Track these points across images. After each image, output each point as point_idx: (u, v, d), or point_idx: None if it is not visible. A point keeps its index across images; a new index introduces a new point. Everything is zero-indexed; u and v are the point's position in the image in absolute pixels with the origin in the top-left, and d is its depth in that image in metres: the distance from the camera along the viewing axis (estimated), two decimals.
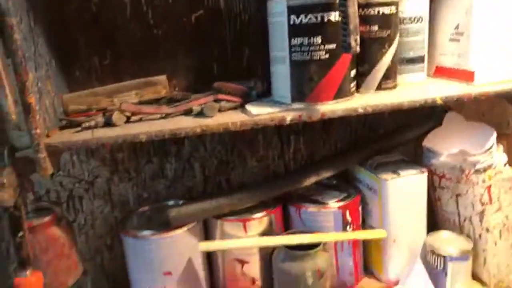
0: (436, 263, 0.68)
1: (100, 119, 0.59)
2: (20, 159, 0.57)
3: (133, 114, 0.61)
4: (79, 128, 0.58)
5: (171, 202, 0.73)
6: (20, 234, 0.54)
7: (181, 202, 0.72)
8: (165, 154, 0.76)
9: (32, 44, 0.55)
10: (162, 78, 0.69)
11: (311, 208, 0.69)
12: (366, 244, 0.75)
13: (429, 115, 0.79)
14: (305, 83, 0.60)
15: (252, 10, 0.71)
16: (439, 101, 0.62)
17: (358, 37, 0.54)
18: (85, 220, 0.76)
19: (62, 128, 0.60)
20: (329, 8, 0.57)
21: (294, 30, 0.58)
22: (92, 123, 0.58)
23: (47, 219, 0.61)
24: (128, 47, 0.69)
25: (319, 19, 0.57)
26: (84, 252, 0.75)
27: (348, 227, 0.70)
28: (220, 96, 0.64)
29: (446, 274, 0.68)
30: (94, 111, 0.65)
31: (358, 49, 0.54)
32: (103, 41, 0.68)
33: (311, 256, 0.62)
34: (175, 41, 0.70)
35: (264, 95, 0.68)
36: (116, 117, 0.58)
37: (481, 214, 0.68)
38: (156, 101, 0.67)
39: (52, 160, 0.55)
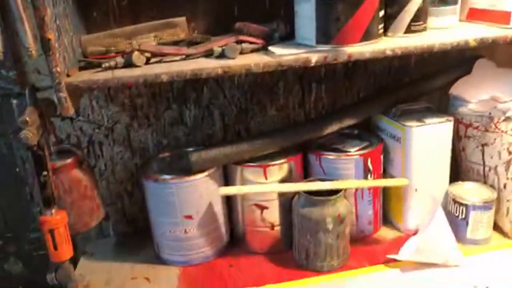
0: (458, 212, 0.68)
1: (120, 59, 0.57)
2: (41, 100, 0.57)
3: (153, 55, 0.59)
4: (99, 69, 0.57)
5: (191, 149, 0.73)
6: (44, 173, 0.55)
7: (200, 148, 0.71)
8: (184, 100, 0.75)
9: None
10: (182, 20, 0.66)
11: (332, 156, 0.68)
12: (386, 194, 0.74)
13: (458, 63, 0.76)
14: (331, 23, 0.57)
15: None
16: (472, 43, 0.59)
17: None
18: (106, 166, 0.76)
19: (81, 68, 0.58)
20: None
21: None
22: (112, 63, 0.57)
23: (69, 161, 0.61)
24: None
25: None
26: (105, 197, 0.76)
27: (369, 175, 0.69)
28: (242, 37, 0.61)
29: (467, 223, 0.67)
30: (113, 53, 0.63)
31: None
32: None
33: (332, 202, 0.62)
34: None
35: (287, 37, 0.65)
36: (136, 57, 0.57)
37: (508, 163, 0.66)
38: (175, 44, 0.65)
39: (73, 101, 0.54)
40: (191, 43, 0.65)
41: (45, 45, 0.50)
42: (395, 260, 0.65)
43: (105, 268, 0.70)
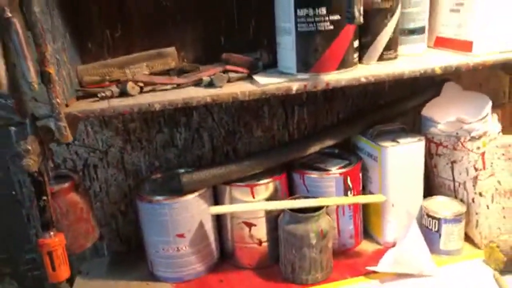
0: (431, 225, 0.73)
1: (115, 89, 0.62)
2: (40, 128, 0.60)
3: (146, 84, 0.64)
4: (95, 98, 0.61)
5: (182, 170, 0.77)
6: (44, 198, 0.58)
7: (191, 169, 0.75)
8: (175, 124, 0.79)
9: (49, 16, 0.57)
10: (172, 50, 0.71)
11: (314, 175, 0.73)
12: (365, 209, 0.79)
13: (428, 86, 0.82)
14: (310, 53, 0.63)
15: None
16: (438, 71, 0.65)
17: (361, 8, 0.56)
18: (100, 188, 0.79)
19: (78, 98, 0.62)
20: None
21: (300, 1, 0.61)
22: (108, 93, 0.61)
23: (66, 185, 0.64)
24: (138, 19, 0.71)
25: None
26: (100, 218, 0.79)
27: (349, 192, 0.74)
28: (228, 67, 0.66)
29: (440, 235, 0.72)
30: (108, 82, 0.68)
31: (361, 19, 0.57)
32: (114, 14, 0.70)
33: (315, 219, 0.67)
34: (183, 13, 0.72)
35: (270, 66, 0.71)
36: (130, 87, 0.61)
37: (475, 179, 0.72)
38: (166, 73, 0.70)
39: (71, 129, 0.58)
40: (181, 72, 0.69)
41: (45, 79, 0.54)
42: (374, 272, 0.69)
43: (101, 286, 0.73)
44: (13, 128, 0.73)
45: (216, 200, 0.74)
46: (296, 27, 0.62)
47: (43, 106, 0.73)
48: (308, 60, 0.64)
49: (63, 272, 0.60)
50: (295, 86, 0.62)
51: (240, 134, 0.82)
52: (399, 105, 0.82)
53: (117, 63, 0.69)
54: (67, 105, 0.59)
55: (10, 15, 0.49)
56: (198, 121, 0.80)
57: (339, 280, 0.69)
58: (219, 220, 0.75)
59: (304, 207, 0.68)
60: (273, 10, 0.66)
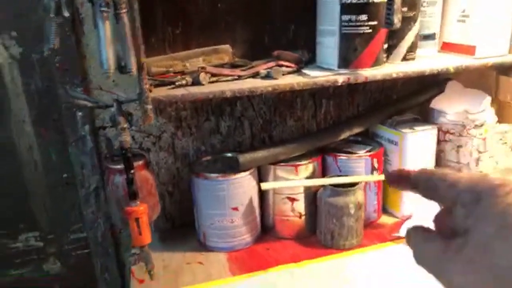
0: None
1: (188, 78, 0.71)
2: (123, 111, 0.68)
3: (212, 75, 0.73)
4: (173, 86, 0.70)
5: (228, 154, 0.87)
6: (132, 171, 0.67)
7: (241, 151, 0.85)
8: (220, 113, 0.88)
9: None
10: (226, 47, 0.81)
11: (346, 157, 0.85)
12: (385, 187, 0.92)
13: (433, 84, 0.96)
14: (351, 52, 0.75)
15: None
16: (451, 70, 0.79)
17: (400, 16, 0.69)
18: (152, 170, 0.87)
19: (156, 86, 0.71)
20: None
21: (345, 9, 0.73)
22: (183, 81, 0.70)
23: (140, 162, 0.73)
24: (196, 19, 0.80)
25: (365, 0, 0.72)
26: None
27: (375, 172, 0.86)
28: (280, 62, 0.77)
29: None
30: (172, 73, 0.77)
31: (399, 25, 0.70)
32: (176, 13, 0.79)
33: (353, 192, 0.78)
34: (235, 15, 0.82)
35: (309, 62, 0.82)
36: (202, 77, 0.71)
37: (477, 160, 0.87)
38: (222, 66, 0.79)
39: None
40: (234, 66, 0.80)
41: (139, 67, 0.63)
42: (398, 238, 0.82)
43: (158, 257, 0.81)
44: (79, 114, 0.80)
45: (260, 178, 0.84)
46: (340, 29, 0.74)
47: (106, 94, 0.81)
48: (348, 58, 0.76)
49: (147, 236, 0.68)
50: (340, 79, 0.74)
51: (275, 123, 0.93)
52: (411, 100, 0.96)
53: (179, 56, 0.79)
54: (150, 91, 0.67)
55: (124, 10, 0.57)
56: (241, 111, 0.90)
57: (370, 245, 0.82)
58: (262, 196, 0.86)
59: (341, 183, 0.79)
60: (314, 15, 0.78)
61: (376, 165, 0.86)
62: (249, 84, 0.71)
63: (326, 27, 0.76)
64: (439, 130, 0.91)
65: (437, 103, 0.92)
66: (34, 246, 0.92)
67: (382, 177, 0.85)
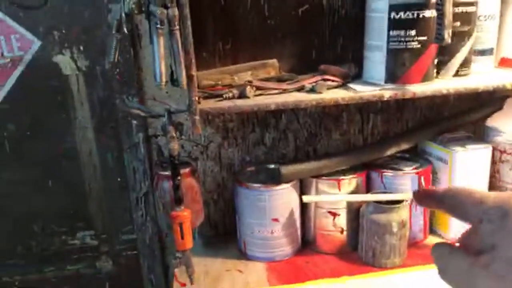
0: None
1: (235, 91, 0.74)
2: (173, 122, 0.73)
3: (258, 88, 0.76)
4: (220, 98, 0.73)
5: (271, 165, 0.88)
6: (178, 178, 0.70)
7: (285, 163, 0.87)
8: (265, 125, 0.91)
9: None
10: (274, 61, 0.83)
11: (392, 173, 0.83)
12: None
13: (490, 101, 0.92)
14: (398, 67, 0.74)
15: (349, 6, 0.84)
16: (508, 86, 0.75)
17: (450, 31, 0.67)
18: (199, 178, 0.91)
19: (204, 98, 0.75)
20: (424, 6, 0.71)
21: (393, 24, 0.72)
22: (230, 94, 0.73)
23: (187, 170, 0.76)
24: (246, 34, 0.83)
25: (415, 15, 0.71)
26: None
27: None
28: (326, 76, 0.78)
29: None
30: (220, 86, 0.80)
31: (449, 40, 0.68)
32: (226, 29, 0.83)
33: (397, 210, 0.77)
34: (284, 31, 0.84)
35: (356, 77, 0.82)
36: (248, 90, 0.73)
37: None
38: (268, 80, 0.81)
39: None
40: (280, 80, 0.81)
41: (189, 80, 0.67)
42: None
43: (200, 262, 0.84)
44: (134, 122, 0.86)
45: (302, 191, 0.85)
46: (388, 45, 0.73)
47: (159, 105, 0.87)
48: (396, 73, 0.75)
49: (189, 241, 0.71)
50: (387, 94, 0.73)
51: (320, 136, 0.93)
52: (463, 117, 0.92)
53: (228, 70, 0.82)
54: (199, 103, 0.71)
55: (177, 27, 0.62)
56: (286, 123, 0.91)
57: (413, 266, 0.79)
58: (304, 208, 0.86)
59: (386, 200, 0.78)
60: (361, 29, 0.78)
61: (423, 183, 0.83)
62: (293, 98, 0.72)
63: (374, 42, 0.76)
64: (494, 149, 0.86)
65: (494, 121, 0.87)
66: (89, 244, 0.99)
67: None
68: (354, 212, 0.83)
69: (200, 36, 0.82)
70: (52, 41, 0.85)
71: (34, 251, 0.98)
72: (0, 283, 0.98)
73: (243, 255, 0.85)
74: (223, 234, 0.95)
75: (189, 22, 0.64)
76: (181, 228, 0.70)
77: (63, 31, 0.84)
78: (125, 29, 0.63)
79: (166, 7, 0.60)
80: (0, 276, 0.98)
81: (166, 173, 0.75)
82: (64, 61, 0.86)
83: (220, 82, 0.81)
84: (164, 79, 0.63)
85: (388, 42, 0.73)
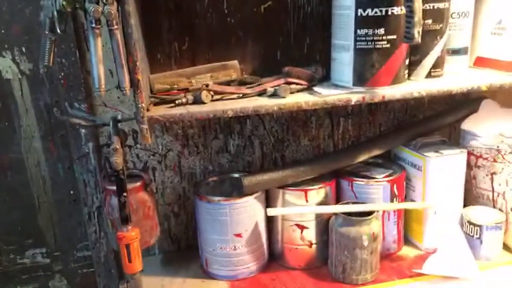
0: (472, 232, 0.77)
1: (190, 96, 0.67)
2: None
3: (216, 93, 0.69)
4: (172, 104, 0.66)
5: (235, 175, 0.82)
6: (124, 194, 0.63)
7: (247, 173, 0.81)
8: (229, 131, 0.84)
9: (136, 28, 0.63)
10: (234, 62, 0.77)
11: (363, 182, 0.78)
12: (406, 216, 0.83)
13: (465, 103, 0.87)
14: (367, 69, 0.69)
15: (315, 3, 0.79)
16: (484, 88, 0.71)
17: (421, 29, 0.62)
18: (157, 189, 0.84)
19: (155, 104, 0.68)
20: (393, 2, 0.65)
21: (360, 22, 0.67)
22: (184, 100, 0.66)
23: (138, 184, 0.69)
24: (204, 33, 0.77)
25: (383, 12, 0.65)
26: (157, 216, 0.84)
27: (394, 199, 0.78)
28: (290, 79, 0.72)
29: (481, 242, 0.77)
30: (176, 90, 0.73)
31: (419, 39, 0.62)
32: (183, 27, 0.76)
33: (367, 222, 0.71)
34: (246, 29, 0.78)
35: (323, 80, 0.76)
36: (204, 95, 0.67)
37: None
38: (228, 83, 0.75)
39: (150, 131, 0.63)
40: (242, 83, 0.75)
41: (134, 85, 0.60)
42: (419, 274, 0.74)
43: (157, 282, 0.77)
44: (83, 131, 0.79)
45: (268, 203, 0.79)
46: (355, 44, 0.68)
47: (109, 111, 0.79)
48: (364, 75, 0.69)
49: (138, 264, 0.64)
50: (354, 98, 0.67)
51: (288, 142, 0.87)
52: (438, 120, 0.87)
53: (185, 73, 0.75)
54: (148, 110, 0.64)
55: (115, 27, 0.54)
56: (251, 129, 0.85)
57: (386, 281, 0.74)
58: (270, 221, 0.80)
59: (356, 211, 0.72)
60: (329, 29, 0.73)
61: (396, 191, 0.78)
62: (253, 103, 0.66)
63: (341, 41, 0.70)
64: (470, 154, 0.82)
65: (469, 125, 0.83)
66: (41, 263, 0.91)
67: (403, 205, 0.77)
68: (324, 224, 0.77)
69: (153, 35, 0.75)
70: None
71: None
72: None
73: (205, 273, 0.79)
74: (185, 249, 0.88)
75: (132, 21, 0.57)
76: (129, 249, 0.63)
77: (2, 31, 0.76)
78: (57, 29, 0.56)
79: (103, 4, 0.53)
80: None
81: (114, 187, 0.68)
82: (5, 64, 0.78)
83: (176, 86, 0.74)
84: (103, 85, 0.57)
85: (355, 41, 0.68)
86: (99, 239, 0.85)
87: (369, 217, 0.71)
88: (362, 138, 0.90)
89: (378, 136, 0.89)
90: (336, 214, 0.74)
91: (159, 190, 0.85)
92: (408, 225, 0.84)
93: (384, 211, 0.78)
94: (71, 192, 0.87)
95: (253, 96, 0.70)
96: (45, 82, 0.80)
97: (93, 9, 0.52)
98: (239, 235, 0.74)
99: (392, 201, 0.78)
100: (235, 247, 0.75)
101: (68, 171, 0.85)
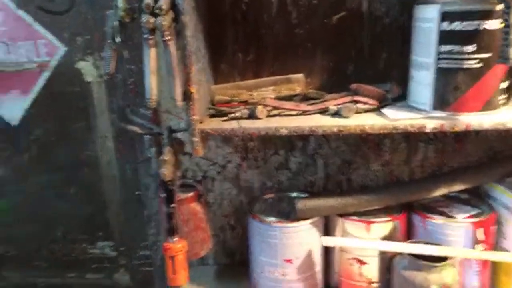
0: None
1: (244, 111, 0.64)
2: (174, 140, 0.65)
3: (274, 108, 0.65)
4: (226, 118, 0.64)
5: (294, 194, 0.77)
6: (172, 206, 0.63)
7: (303, 195, 0.75)
8: (291, 148, 0.79)
9: (195, 39, 0.62)
10: (300, 76, 0.72)
11: (439, 220, 0.67)
12: (495, 266, 0.70)
13: None
14: (450, 91, 0.59)
15: (395, 14, 0.70)
16: None
17: None
18: (214, 200, 0.83)
19: (211, 116, 0.66)
20: (487, 15, 0.54)
21: (445, 37, 0.57)
22: (238, 114, 0.64)
23: (191, 194, 0.69)
24: (270, 44, 0.73)
25: (474, 26, 0.55)
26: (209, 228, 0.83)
27: (478, 246, 0.66)
28: (357, 97, 0.65)
29: None
30: (236, 102, 0.71)
31: None
32: (248, 38, 0.73)
33: (438, 269, 0.61)
34: (315, 41, 0.72)
35: (398, 99, 0.68)
36: (259, 110, 0.63)
37: None
38: (291, 98, 0.70)
39: (202, 144, 0.61)
40: (306, 98, 0.70)
41: (187, 97, 0.58)
42: None
43: None
44: (147, 136, 0.81)
45: (327, 230, 0.72)
46: (437, 63, 0.58)
47: (174, 118, 0.80)
48: (446, 98, 0.59)
49: (182, 277, 0.63)
50: (430, 125, 0.58)
51: (356, 165, 0.79)
52: None
53: (246, 85, 0.73)
54: (201, 122, 0.62)
55: (169, 38, 0.54)
56: (314, 147, 0.79)
57: None
58: (327, 250, 0.73)
59: (426, 254, 0.62)
60: (409, 43, 0.64)
61: (481, 236, 0.66)
62: (311, 122, 0.61)
63: (420, 58, 0.61)
64: None
65: None
66: (108, 255, 0.96)
67: (489, 255, 0.65)
68: (388, 262, 0.68)
69: (218, 46, 0.73)
70: (76, 47, 0.82)
71: (57, 255, 0.98)
72: (25, 284, 1.00)
73: None
74: (239, 264, 0.85)
75: (188, 32, 0.56)
76: (173, 261, 0.62)
77: (86, 37, 0.82)
78: (118, 38, 0.57)
79: (157, 15, 0.53)
80: (26, 277, 1.00)
81: (180, 195, 0.68)
82: (86, 68, 0.83)
83: (236, 98, 0.72)
84: (154, 95, 0.56)
85: (437, 59, 0.58)
86: (156, 242, 0.87)
87: (442, 263, 0.61)
88: (444, 168, 0.78)
89: (466, 167, 0.76)
90: (401, 253, 0.64)
91: (217, 201, 0.83)
92: (496, 277, 0.70)
93: (463, 259, 0.66)
94: (136, 193, 0.90)
95: (313, 113, 0.65)
96: (119, 87, 0.83)
97: (145, 20, 0.51)
98: (289, 261, 0.69)
99: (474, 247, 0.66)
100: (284, 273, 0.70)
101: (134, 173, 0.89)
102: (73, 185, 0.92)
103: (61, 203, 0.94)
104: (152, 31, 0.53)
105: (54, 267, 0.98)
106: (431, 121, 0.58)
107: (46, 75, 0.85)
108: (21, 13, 0.81)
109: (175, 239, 0.63)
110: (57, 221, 0.95)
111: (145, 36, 0.53)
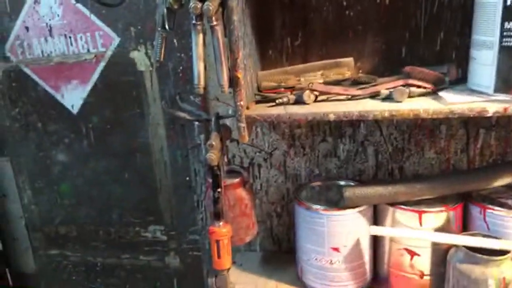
0: None
1: (291, 96, 0.63)
2: (222, 126, 0.66)
3: (321, 93, 0.64)
4: (272, 103, 0.63)
5: (342, 182, 0.75)
6: (219, 190, 0.63)
7: (352, 183, 0.73)
8: (340, 134, 0.77)
9: (242, 24, 0.62)
10: (349, 60, 0.69)
11: (500, 212, 0.62)
12: None
13: None
14: None
15: None
16: None
17: None
18: (261, 187, 0.83)
19: (257, 102, 0.66)
20: None
21: (510, 13, 0.52)
22: (285, 99, 0.63)
23: (237, 180, 0.69)
24: (319, 28, 0.71)
25: None
26: (256, 215, 0.83)
27: None
28: (411, 81, 0.61)
29: None
30: (283, 88, 0.70)
31: None
32: (296, 22, 0.72)
33: (497, 263, 0.57)
34: (366, 23, 0.69)
35: (458, 82, 0.63)
36: (307, 95, 0.62)
37: None
38: (340, 83, 0.68)
39: (248, 130, 0.61)
40: (355, 83, 0.68)
41: (234, 82, 0.59)
42: None
43: (252, 280, 0.77)
44: (196, 123, 0.82)
45: (376, 219, 0.70)
46: (501, 41, 0.54)
47: (222, 105, 0.81)
48: (510, 79, 0.54)
49: (226, 261, 0.64)
50: (492, 108, 0.54)
51: (409, 152, 0.76)
52: None
53: (294, 70, 0.71)
54: (247, 108, 0.62)
55: (215, 23, 0.54)
56: (365, 134, 0.77)
57: None
58: (376, 241, 0.71)
59: (484, 247, 0.58)
60: (470, 21, 0.59)
61: None
62: (361, 107, 0.58)
63: (482, 37, 0.57)
64: None
65: None
66: (159, 239, 1.00)
67: None
68: (442, 254, 0.64)
69: (266, 31, 0.73)
70: (129, 37, 0.85)
71: (112, 237, 1.03)
72: (85, 262, 1.07)
73: (299, 281, 0.75)
74: (286, 251, 0.85)
75: (235, 17, 0.56)
76: (218, 245, 0.63)
77: (139, 27, 0.84)
78: (167, 25, 0.58)
79: (204, 0, 0.53)
80: (85, 256, 1.06)
81: (226, 181, 0.69)
82: (139, 57, 0.86)
83: (283, 84, 0.71)
84: (201, 81, 0.57)
85: (501, 37, 0.54)
86: (205, 227, 0.89)
87: (501, 257, 0.57)
88: (508, 156, 0.72)
89: None
90: (456, 246, 0.61)
91: (264, 188, 0.83)
92: None
93: None
94: (187, 178, 0.93)
95: (364, 98, 0.63)
96: (170, 75, 0.86)
97: (192, 6, 0.52)
98: (336, 249, 0.68)
99: None
100: (331, 261, 0.69)
101: (185, 159, 0.91)
102: (127, 170, 0.96)
103: (116, 188, 0.98)
104: (200, 17, 0.54)
105: (110, 248, 1.04)
106: (493, 105, 0.54)
107: (102, 65, 0.89)
108: (79, 6, 0.86)
109: (221, 223, 0.64)
110: (113, 205, 1.00)
111: (193, 22, 0.54)
